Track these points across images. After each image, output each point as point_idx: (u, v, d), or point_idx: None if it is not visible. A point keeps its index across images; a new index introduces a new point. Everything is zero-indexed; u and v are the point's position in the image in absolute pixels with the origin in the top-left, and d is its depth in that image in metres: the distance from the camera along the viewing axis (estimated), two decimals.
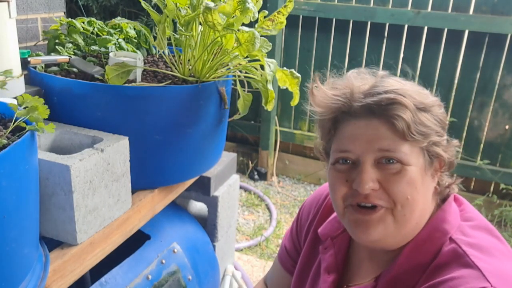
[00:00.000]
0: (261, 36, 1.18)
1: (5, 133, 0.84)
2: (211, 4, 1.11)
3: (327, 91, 0.87)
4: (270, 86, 1.26)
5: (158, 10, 1.33)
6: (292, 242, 1.14)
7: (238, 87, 1.40)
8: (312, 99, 0.89)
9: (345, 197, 0.84)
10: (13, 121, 0.91)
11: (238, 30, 1.15)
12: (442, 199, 0.88)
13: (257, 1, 1.30)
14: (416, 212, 0.80)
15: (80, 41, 1.48)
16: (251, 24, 1.17)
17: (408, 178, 0.79)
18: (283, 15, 1.28)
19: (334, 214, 1.00)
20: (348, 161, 0.83)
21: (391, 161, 0.79)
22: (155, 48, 1.65)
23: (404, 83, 0.84)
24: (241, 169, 3.70)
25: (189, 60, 1.34)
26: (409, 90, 0.81)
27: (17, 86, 1.18)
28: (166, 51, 1.43)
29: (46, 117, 0.82)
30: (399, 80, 0.85)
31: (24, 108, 0.80)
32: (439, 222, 0.83)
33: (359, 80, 0.86)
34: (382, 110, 0.79)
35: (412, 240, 0.83)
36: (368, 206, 0.81)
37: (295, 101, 1.35)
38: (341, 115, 0.85)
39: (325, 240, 0.99)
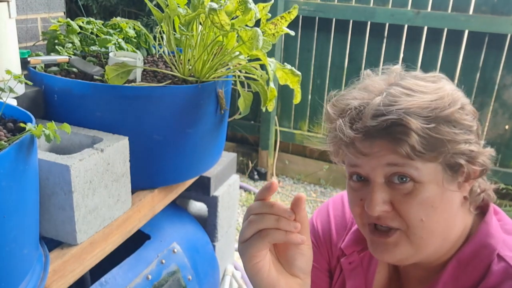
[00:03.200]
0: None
1: (6, 136, 0.84)
2: (215, 5, 1.10)
3: (327, 125, 0.82)
4: (272, 84, 1.25)
5: (159, 10, 1.33)
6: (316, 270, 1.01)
7: (239, 86, 1.40)
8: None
9: (361, 216, 0.79)
10: (13, 121, 0.91)
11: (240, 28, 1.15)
12: (477, 206, 0.82)
13: (263, 8, 1.30)
14: (436, 231, 0.74)
15: (76, 41, 1.48)
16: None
17: (421, 198, 0.72)
18: (286, 20, 1.29)
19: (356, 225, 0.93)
20: (362, 178, 0.78)
21: (404, 179, 0.72)
22: (155, 48, 1.65)
23: (414, 93, 0.73)
24: (241, 169, 3.69)
25: (189, 60, 1.34)
26: (415, 105, 0.71)
27: (17, 86, 1.18)
28: (166, 51, 1.43)
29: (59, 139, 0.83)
30: (411, 88, 0.74)
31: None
32: (484, 237, 0.77)
33: (361, 95, 0.77)
34: (382, 134, 0.72)
35: (455, 256, 0.77)
36: (383, 228, 0.76)
37: (297, 99, 1.35)
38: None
39: (349, 254, 0.92)
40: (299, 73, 1.32)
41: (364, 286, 0.89)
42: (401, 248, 0.75)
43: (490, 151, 0.77)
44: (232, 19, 1.17)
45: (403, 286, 0.88)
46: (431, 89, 0.74)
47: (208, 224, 1.72)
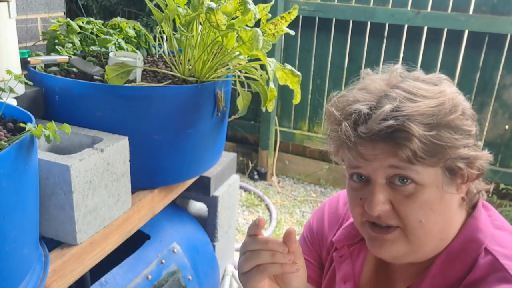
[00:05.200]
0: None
1: (6, 136, 0.84)
2: (213, 5, 1.11)
3: (329, 126, 0.82)
4: (271, 84, 1.26)
5: (159, 10, 1.33)
6: (312, 259, 1.06)
7: (238, 86, 1.40)
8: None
9: (361, 215, 0.81)
10: (13, 122, 0.91)
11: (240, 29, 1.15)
12: (471, 206, 0.83)
13: (264, 8, 1.30)
14: (433, 232, 0.76)
15: (76, 41, 1.48)
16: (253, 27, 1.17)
17: (421, 200, 0.74)
18: (286, 21, 1.29)
19: (350, 220, 0.95)
20: (363, 178, 0.79)
21: (405, 180, 0.74)
22: (155, 48, 1.65)
23: (416, 98, 0.73)
24: (241, 169, 3.69)
25: (189, 60, 1.34)
26: (418, 112, 0.72)
27: (17, 86, 1.18)
28: (166, 51, 1.43)
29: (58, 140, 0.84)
30: (412, 91, 0.74)
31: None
32: (473, 232, 0.78)
33: (363, 96, 0.78)
34: (385, 137, 0.73)
35: (444, 251, 0.79)
36: (383, 225, 0.78)
37: (296, 100, 1.35)
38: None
39: (340, 248, 0.95)
40: (299, 73, 1.33)
41: (352, 277, 0.91)
42: (398, 245, 0.77)
43: (488, 156, 0.78)
44: (232, 19, 1.17)
45: (391, 278, 0.89)
46: (432, 93, 0.75)
47: (208, 224, 1.72)
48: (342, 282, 0.92)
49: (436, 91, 0.75)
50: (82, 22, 1.51)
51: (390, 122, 0.72)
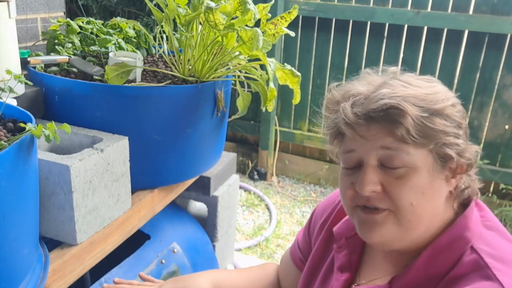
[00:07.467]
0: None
1: (6, 136, 0.84)
2: (213, 4, 1.11)
3: (328, 107, 0.87)
4: (271, 84, 1.26)
5: (159, 10, 1.33)
6: (304, 239, 1.14)
7: (238, 86, 1.40)
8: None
9: (352, 199, 0.83)
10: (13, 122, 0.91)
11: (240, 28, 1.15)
12: (461, 203, 0.85)
13: (264, 8, 1.30)
14: (423, 217, 0.78)
15: (76, 41, 1.49)
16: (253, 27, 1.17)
17: (413, 182, 0.76)
18: (286, 21, 1.29)
19: None
20: (355, 164, 0.82)
21: (396, 166, 0.76)
22: (155, 48, 1.65)
23: (410, 86, 0.79)
24: (241, 169, 3.69)
25: (189, 60, 1.34)
26: (412, 95, 0.77)
27: (17, 86, 1.18)
28: (166, 51, 1.43)
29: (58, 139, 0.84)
30: (408, 82, 0.80)
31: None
32: (461, 230, 0.79)
33: (362, 85, 0.83)
34: (380, 117, 0.76)
35: (431, 245, 0.80)
36: (372, 208, 0.80)
37: (296, 100, 1.35)
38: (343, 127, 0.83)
39: (339, 239, 0.98)
40: (298, 73, 1.33)
41: (349, 267, 0.94)
42: (387, 227, 0.78)
43: (476, 147, 0.82)
44: (232, 19, 1.17)
45: (381, 268, 0.91)
46: (425, 86, 0.81)
47: (208, 224, 1.72)
48: (339, 271, 0.95)
49: (429, 85, 0.81)
50: (82, 22, 1.51)
51: (386, 100, 0.76)
